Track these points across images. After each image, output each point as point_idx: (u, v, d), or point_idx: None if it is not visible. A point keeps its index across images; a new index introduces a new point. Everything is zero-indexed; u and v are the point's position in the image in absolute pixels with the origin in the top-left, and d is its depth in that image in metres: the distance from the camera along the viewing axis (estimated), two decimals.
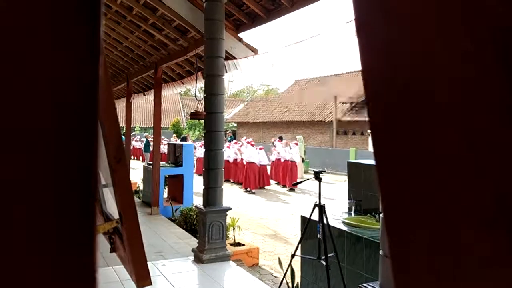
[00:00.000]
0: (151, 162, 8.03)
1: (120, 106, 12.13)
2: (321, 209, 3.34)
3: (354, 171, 4.07)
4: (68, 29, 0.24)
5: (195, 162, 12.99)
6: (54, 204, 0.24)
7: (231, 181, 14.94)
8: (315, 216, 3.38)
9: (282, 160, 14.21)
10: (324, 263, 3.24)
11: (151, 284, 1.11)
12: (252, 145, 14.00)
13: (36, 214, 0.24)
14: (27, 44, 0.23)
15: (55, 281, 0.24)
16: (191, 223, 6.76)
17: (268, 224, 8.50)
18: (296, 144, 14.73)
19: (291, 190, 13.02)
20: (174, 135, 25.19)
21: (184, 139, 14.18)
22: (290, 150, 13.96)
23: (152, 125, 8.05)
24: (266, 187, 13.65)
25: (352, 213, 3.88)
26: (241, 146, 14.95)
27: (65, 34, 0.24)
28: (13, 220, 0.23)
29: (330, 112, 22.49)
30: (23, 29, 0.23)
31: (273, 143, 15.24)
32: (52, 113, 0.24)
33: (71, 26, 0.24)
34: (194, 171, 10.42)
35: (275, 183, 14.37)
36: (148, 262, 1.13)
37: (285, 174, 13.96)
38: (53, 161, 0.24)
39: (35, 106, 0.24)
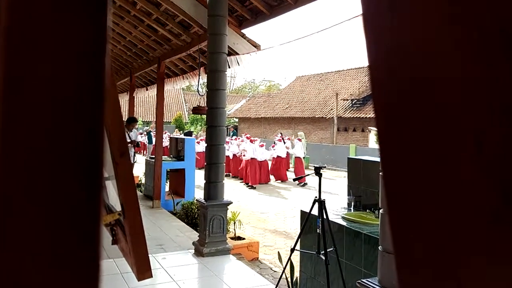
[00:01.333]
0: (153, 156, 8.08)
1: (123, 100, 12.17)
2: (321, 204, 3.37)
3: (354, 167, 4.09)
4: (75, 24, 0.24)
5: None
6: (62, 196, 0.25)
7: (231, 175, 15.00)
8: (315, 211, 3.42)
9: (275, 156, 14.50)
10: (324, 258, 3.27)
11: (151, 276, 1.11)
12: (252, 141, 14.08)
13: (44, 206, 0.24)
14: (33, 40, 0.24)
15: (62, 272, 0.25)
16: (192, 216, 6.81)
17: (268, 218, 8.55)
18: (300, 140, 14.99)
19: (298, 184, 13.14)
20: (177, 129, 25.24)
21: (189, 134, 14.21)
22: (293, 149, 14.08)
23: (155, 119, 8.08)
24: (267, 183, 13.74)
25: (352, 208, 3.91)
26: (241, 141, 15.04)
27: (72, 29, 0.24)
28: (20, 214, 0.24)
29: (331, 109, 22.47)
30: (30, 25, 0.23)
31: (274, 142, 15.44)
32: (59, 108, 0.24)
33: (79, 21, 0.24)
34: None
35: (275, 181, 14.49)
36: (149, 255, 1.14)
37: (281, 169, 14.25)
38: (62, 155, 0.24)
39: (42, 101, 0.24)
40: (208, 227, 4.63)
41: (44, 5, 0.24)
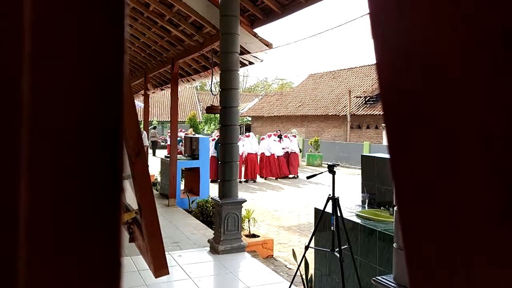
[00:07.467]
0: (169, 155, 8.18)
1: (138, 101, 12.32)
2: (335, 201, 3.37)
3: (368, 165, 4.08)
4: (94, 29, 0.25)
5: None
6: (84, 197, 0.25)
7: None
8: (329, 209, 3.42)
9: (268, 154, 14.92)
10: (338, 255, 3.27)
11: (168, 274, 1.13)
12: (247, 135, 14.61)
13: (66, 207, 0.25)
14: (54, 45, 0.24)
15: (85, 270, 0.25)
16: (207, 214, 6.88)
17: (282, 216, 8.56)
18: (295, 136, 16.03)
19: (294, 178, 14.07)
20: (191, 129, 25.39)
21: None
22: (278, 144, 14.81)
23: (169, 119, 8.18)
24: (279, 179, 13.78)
25: (366, 206, 3.89)
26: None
27: (92, 33, 0.25)
28: (43, 215, 0.24)
29: (345, 106, 22.29)
30: (50, 30, 0.24)
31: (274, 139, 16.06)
32: (81, 111, 0.25)
33: (97, 25, 0.25)
34: None
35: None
36: (165, 253, 1.16)
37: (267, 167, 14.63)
38: (82, 156, 0.25)
39: (62, 104, 0.24)
40: (223, 225, 4.68)
41: (64, 10, 0.24)
